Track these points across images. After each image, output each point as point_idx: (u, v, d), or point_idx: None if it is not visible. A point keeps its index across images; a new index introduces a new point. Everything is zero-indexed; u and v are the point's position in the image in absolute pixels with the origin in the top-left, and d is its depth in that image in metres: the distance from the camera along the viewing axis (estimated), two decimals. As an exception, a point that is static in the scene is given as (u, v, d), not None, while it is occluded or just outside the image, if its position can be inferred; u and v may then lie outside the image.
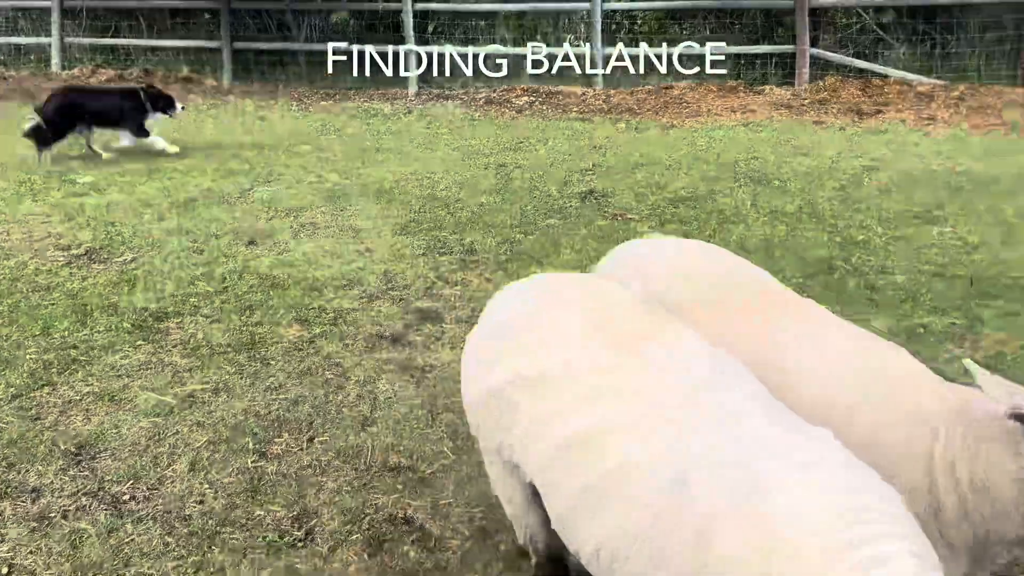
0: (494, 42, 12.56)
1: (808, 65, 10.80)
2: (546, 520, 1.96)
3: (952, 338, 3.86)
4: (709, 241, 5.30)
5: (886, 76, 10.58)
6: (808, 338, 2.10)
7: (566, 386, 1.82)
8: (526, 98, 11.13)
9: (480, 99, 11.22)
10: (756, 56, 11.33)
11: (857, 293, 4.42)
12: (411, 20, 11.90)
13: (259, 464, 2.97)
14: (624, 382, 1.77)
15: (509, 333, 2.05)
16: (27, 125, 7.42)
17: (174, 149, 7.90)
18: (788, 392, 1.83)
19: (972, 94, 9.76)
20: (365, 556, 2.51)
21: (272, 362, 3.77)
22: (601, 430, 1.71)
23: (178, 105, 8.00)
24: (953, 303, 4.24)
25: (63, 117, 7.42)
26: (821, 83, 10.67)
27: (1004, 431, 1.70)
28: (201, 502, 2.74)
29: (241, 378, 3.61)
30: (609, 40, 11.64)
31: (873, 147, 7.79)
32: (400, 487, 2.84)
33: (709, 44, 10.94)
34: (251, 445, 3.08)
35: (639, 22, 12.26)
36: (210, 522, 2.64)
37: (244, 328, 4.10)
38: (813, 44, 11.00)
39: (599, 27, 11.27)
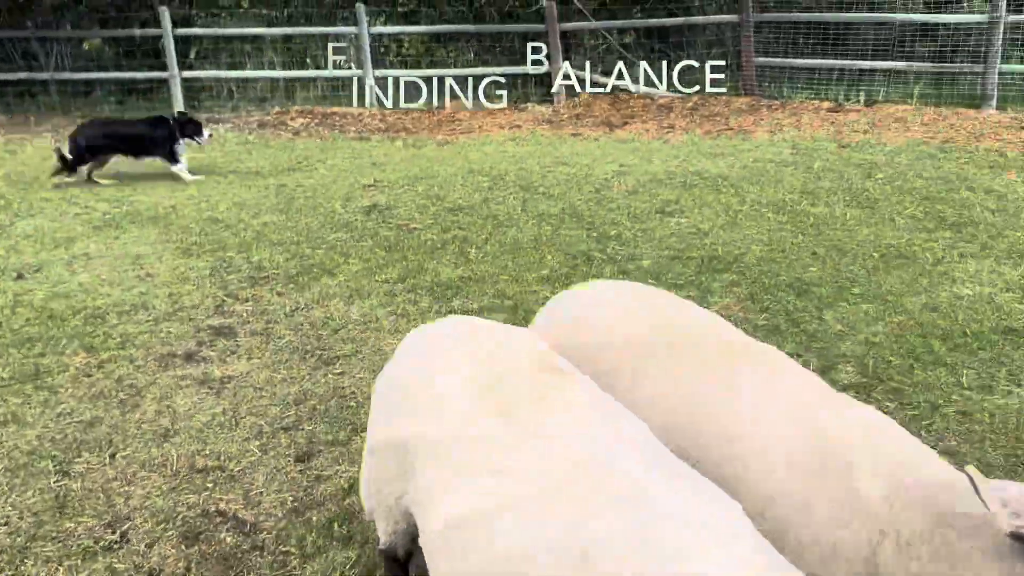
0: (262, 66, 12.53)
1: (564, 83, 11.78)
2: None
3: (689, 307, 4.57)
4: (486, 242, 5.82)
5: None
6: (759, 388, 1.93)
7: (455, 455, 1.70)
8: (302, 120, 11.22)
9: (253, 122, 11.16)
10: (518, 76, 12.17)
11: (611, 277, 5.04)
12: (172, 46, 11.60)
13: (63, 483, 2.98)
14: (517, 454, 1.62)
15: (406, 385, 1.98)
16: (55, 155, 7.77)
17: (191, 178, 8.07)
18: (731, 460, 1.76)
19: (703, 104, 11.13)
20: (183, 547, 2.64)
21: (61, 390, 3.72)
22: (490, 511, 1.56)
23: (205, 132, 8.32)
24: (689, 279, 4.98)
25: (94, 146, 7.86)
26: (576, 99, 11.70)
27: (994, 546, 1.49)
28: (6, 524, 2.73)
29: (30, 407, 3.54)
30: (379, 63, 12.04)
31: (622, 155, 8.71)
32: (211, 485, 2.99)
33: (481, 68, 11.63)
34: (51, 467, 3.07)
35: (406, 45, 12.73)
36: (19, 539, 2.65)
37: (26, 360, 3.98)
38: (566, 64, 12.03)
39: (368, 50, 11.61)
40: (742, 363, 2.01)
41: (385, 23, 12.41)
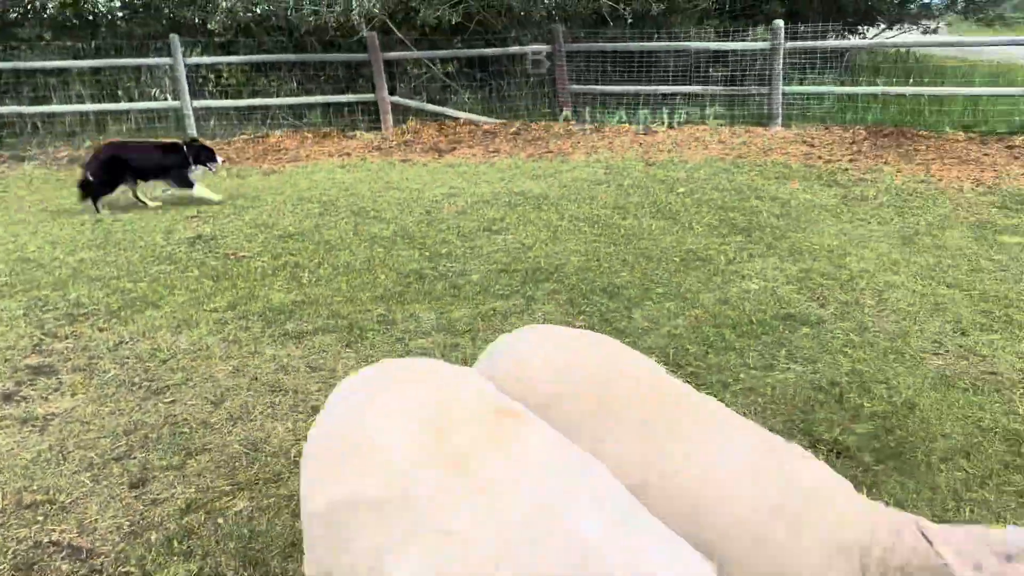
0: (70, 100, 11.90)
1: (391, 111, 12.01)
2: None
3: (515, 314, 4.88)
4: (319, 266, 5.90)
5: (457, 118, 12.18)
6: (709, 443, 1.91)
7: (396, 516, 1.57)
8: (116, 154, 10.74)
9: (63, 158, 10.58)
10: (344, 104, 12.26)
11: (443, 292, 5.30)
12: (-36, 78, 10.82)
13: None
14: (470, 513, 1.52)
15: (341, 440, 1.79)
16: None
17: (217, 197, 8.10)
18: (685, 507, 1.74)
19: (525, 129, 11.67)
20: (14, 580, 2.60)
21: None
22: None
23: (218, 159, 8.23)
24: (515, 289, 5.30)
25: (109, 172, 7.77)
26: (404, 126, 11.95)
27: None
28: None
29: None
30: (197, 93, 11.77)
31: (451, 178, 9.02)
32: (41, 518, 2.93)
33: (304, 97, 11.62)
34: None
35: (225, 76, 12.51)
36: None
37: None
38: (392, 92, 12.27)
39: (184, 81, 11.33)
40: (688, 417, 1.99)
41: (201, 54, 12.15)
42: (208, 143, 8.98)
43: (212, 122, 11.89)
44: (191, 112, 11.39)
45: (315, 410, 3.80)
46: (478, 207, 7.55)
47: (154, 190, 8.29)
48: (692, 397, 2.11)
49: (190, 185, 8.11)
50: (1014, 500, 3.00)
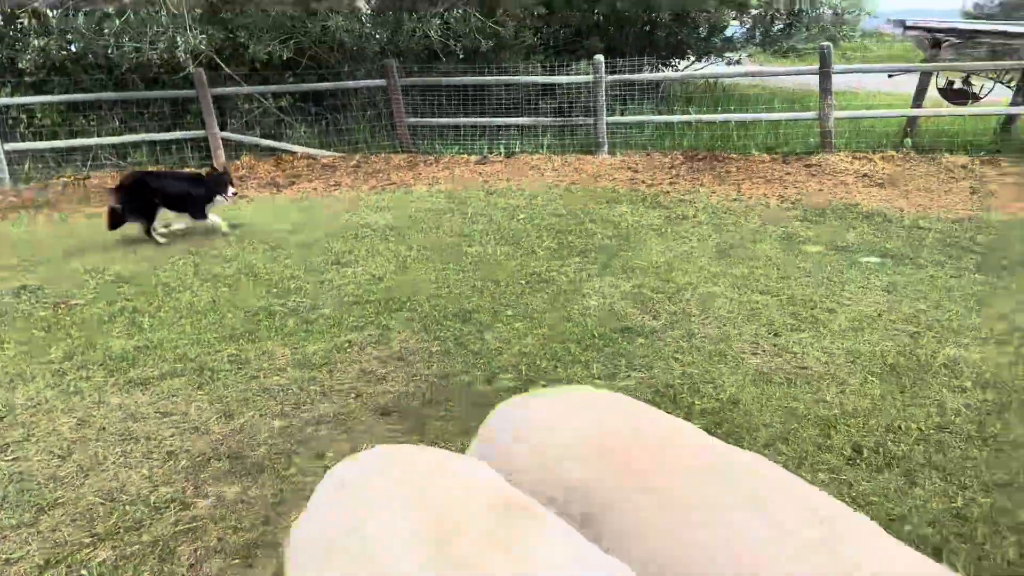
0: None
1: (222, 147, 11.73)
2: None
3: (371, 344, 4.98)
4: (159, 309, 5.74)
5: (294, 152, 12.07)
6: (756, 522, 1.63)
7: None
8: (-84, 202, 9.87)
9: None
10: (172, 141, 11.85)
11: (295, 328, 5.31)
12: None
13: None
14: None
15: (328, 545, 1.61)
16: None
17: (225, 227, 7.98)
18: None
19: (366, 161, 11.75)
20: None
21: None
22: None
23: (230, 189, 7.98)
24: (369, 320, 5.40)
25: (136, 199, 7.65)
26: (239, 162, 11.71)
27: None
28: None
29: None
30: (8, 135, 11.02)
31: (294, 213, 8.96)
32: None
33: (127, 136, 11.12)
34: None
35: (39, 116, 11.78)
36: None
37: None
38: (223, 128, 12.00)
39: (-6, 121, 10.59)
40: (727, 486, 1.73)
41: (11, 94, 11.41)
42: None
43: (27, 165, 11.17)
44: (2, 155, 10.65)
45: (171, 455, 3.74)
46: (324, 240, 7.57)
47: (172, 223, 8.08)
48: (734, 460, 1.83)
49: (204, 217, 7.96)
50: (827, 476, 3.44)
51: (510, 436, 2.01)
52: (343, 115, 12.78)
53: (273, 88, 12.38)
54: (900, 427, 3.78)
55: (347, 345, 4.98)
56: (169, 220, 8.04)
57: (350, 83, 12.40)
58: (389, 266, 6.67)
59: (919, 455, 3.52)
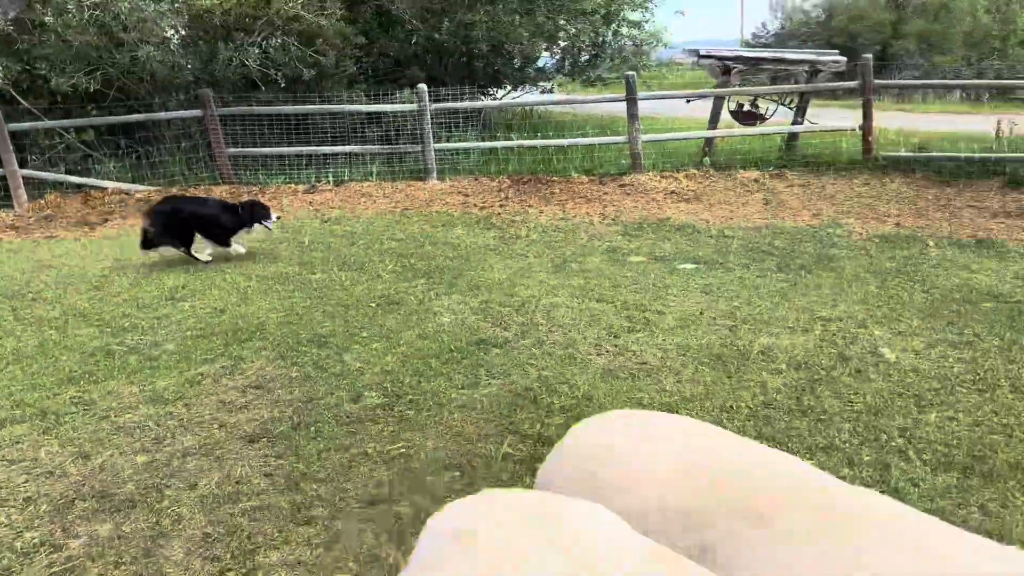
0: None
1: (23, 186, 10.90)
2: None
3: (226, 375, 4.90)
4: (-19, 358, 5.33)
5: (104, 188, 11.42)
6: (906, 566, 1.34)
7: None
8: None
9: None
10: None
11: (139, 365, 5.11)
12: None
13: None
14: None
15: None
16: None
17: (242, 250, 7.87)
18: None
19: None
20: None
21: None
22: None
23: (273, 215, 7.95)
24: (219, 352, 5.29)
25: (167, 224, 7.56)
26: (43, 201, 10.92)
27: None
28: None
29: None
30: None
31: (112, 251, 8.50)
32: None
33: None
34: None
35: None
36: None
37: None
38: (23, 165, 11.16)
39: None
40: (871, 531, 1.43)
41: None
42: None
43: None
44: None
45: (29, 500, 3.55)
46: (152, 276, 7.29)
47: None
48: (864, 501, 1.56)
49: (228, 244, 7.84)
50: (675, 455, 3.82)
51: (595, 463, 1.77)
52: (155, 147, 12.26)
53: (79, 122, 11.70)
54: (732, 407, 4.26)
55: (199, 378, 4.88)
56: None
57: (162, 114, 11.94)
58: (230, 298, 6.55)
59: (751, 430, 4.00)
